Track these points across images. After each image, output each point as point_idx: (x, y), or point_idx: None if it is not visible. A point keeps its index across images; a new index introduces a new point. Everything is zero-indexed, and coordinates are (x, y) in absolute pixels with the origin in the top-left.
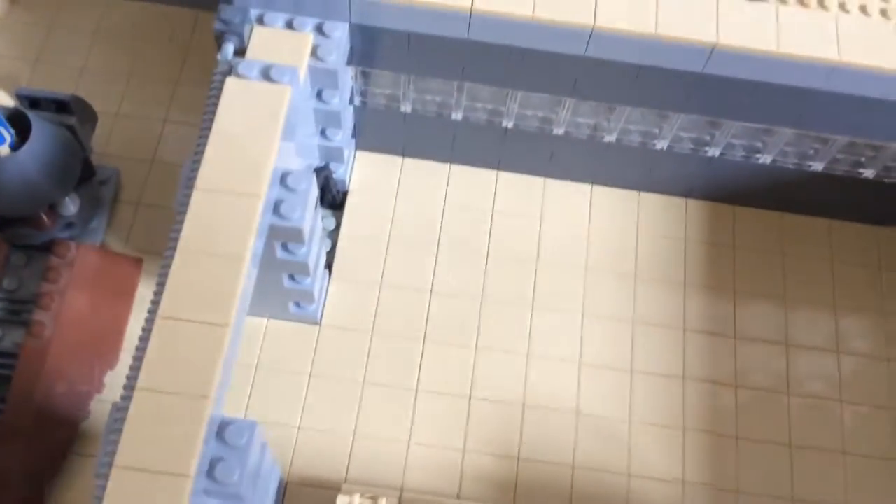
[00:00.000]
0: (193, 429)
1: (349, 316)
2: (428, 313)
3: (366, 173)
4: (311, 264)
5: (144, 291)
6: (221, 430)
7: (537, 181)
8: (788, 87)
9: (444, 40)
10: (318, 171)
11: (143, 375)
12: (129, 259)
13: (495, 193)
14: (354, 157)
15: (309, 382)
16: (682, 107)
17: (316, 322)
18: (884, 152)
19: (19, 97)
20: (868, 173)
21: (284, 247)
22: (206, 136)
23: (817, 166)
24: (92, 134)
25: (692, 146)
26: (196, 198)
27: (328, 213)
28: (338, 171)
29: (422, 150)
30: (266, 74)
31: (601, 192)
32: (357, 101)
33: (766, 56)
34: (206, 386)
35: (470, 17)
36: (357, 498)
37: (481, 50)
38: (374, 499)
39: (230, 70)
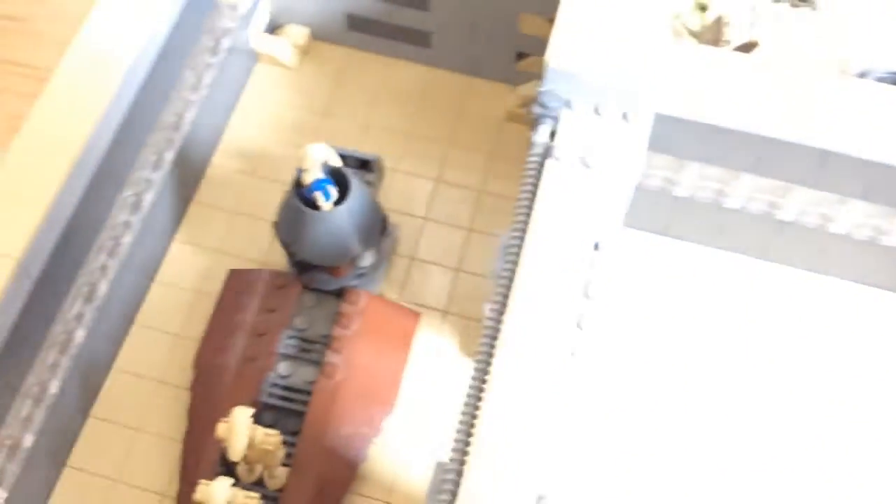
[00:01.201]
0: None
1: None
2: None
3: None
4: None
5: (419, 341)
6: None
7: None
8: None
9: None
10: None
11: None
12: (410, 311)
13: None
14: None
15: None
16: None
17: None
18: None
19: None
20: None
21: None
22: (526, 214)
23: None
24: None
25: None
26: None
27: None
28: None
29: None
30: (584, 160)
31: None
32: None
33: None
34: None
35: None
36: None
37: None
38: None
39: (547, 153)
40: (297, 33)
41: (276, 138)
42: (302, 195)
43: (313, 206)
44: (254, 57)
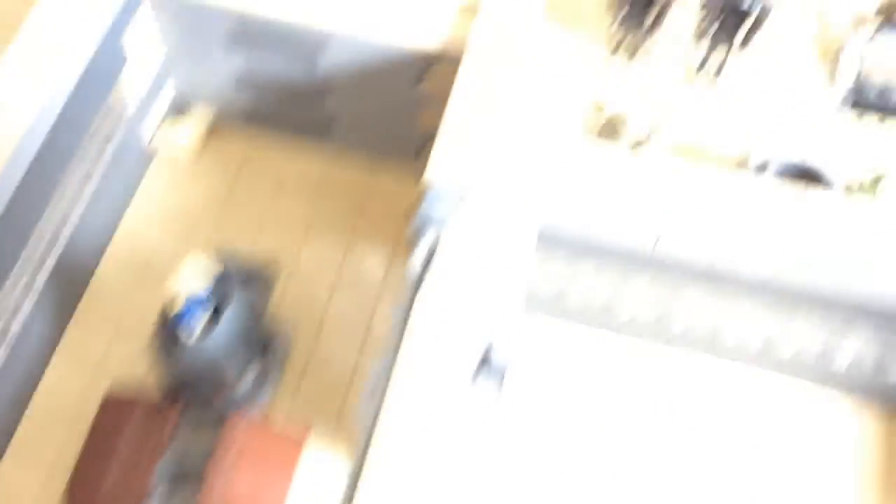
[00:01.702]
0: None
1: None
2: None
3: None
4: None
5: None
6: None
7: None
8: None
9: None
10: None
11: None
12: (293, 438)
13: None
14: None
15: None
16: None
17: None
18: None
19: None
20: None
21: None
22: (397, 349)
23: None
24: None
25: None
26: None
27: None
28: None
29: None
30: (466, 279)
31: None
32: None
33: None
34: None
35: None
36: None
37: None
38: None
39: (424, 273)
40: (196, 123)
41: (168, 239)
42: (169, 325)
43: (181, 336)
44: (147, 152)
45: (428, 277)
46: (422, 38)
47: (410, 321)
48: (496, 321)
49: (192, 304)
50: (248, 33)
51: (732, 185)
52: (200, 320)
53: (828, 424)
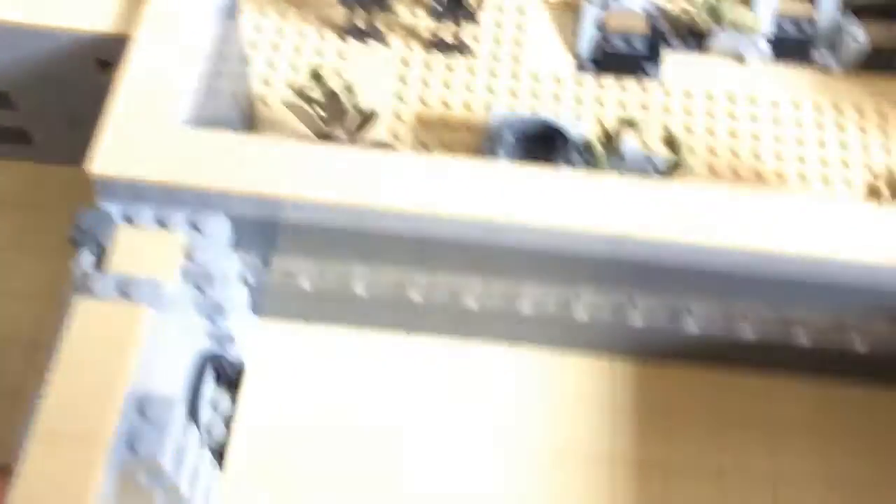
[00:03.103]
0: None
1: None
2: None
3: (267, 348)
4: (184, 486)
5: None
6: None
7: (454, 346)
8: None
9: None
10: (209, 358)
11: None
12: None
13: (406, 361)
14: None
15: None
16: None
17: None
18: (812, 321)
19: None
20: (803, 339)
21: (149, 476)
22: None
23: (748, 335)
24: None
25: (612, 317)
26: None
27: (225, 394)
28: (231, 352)
29: (328, 318)
30: (125, 293)
31: (524, 355)
32: (251, 280)
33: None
34: None
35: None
36: None
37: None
38: None
39: (84, 285)
40: None
41: None
42: None
43: None
44: None
45: (91, 281)
46: (92, 18)
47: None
48: (216, 326)
49: None
50: None
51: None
52: None
53: (582, 384)
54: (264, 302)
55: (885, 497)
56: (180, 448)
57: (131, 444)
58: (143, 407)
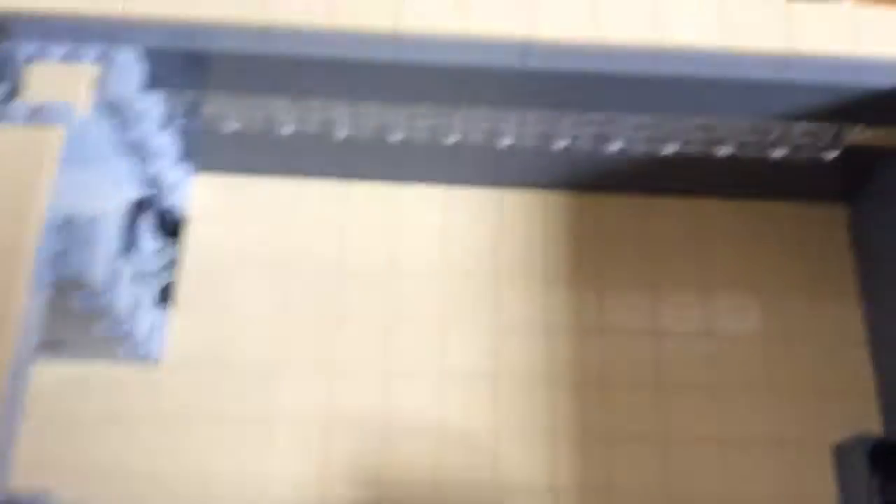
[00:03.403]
0: None
1: (195, 351)
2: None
3: (206, 196)
4: (123, 309)
5: None
6: None
7: (388, 188)
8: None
9: (251, 58)
10: (141, 202)
11: None
12: None
13: (345, 205)
14: (192, 179)
15: (155, 425)
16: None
17: (154, 361)
18: (735, 129)
19: None
20: (724, 151)
21: (82, 297)
22: None
23: (669, 148)
24: None
25: (538, 142)
26: None
27: (168, 241)
28: (170, 199)
29: (262, 166)
30: (35, 117)
31: (455, 192)
32: (178, 123)
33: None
34: None
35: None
36: None
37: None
38: None
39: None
40: None
41: None
42: None
43: None
44: None
45: (3, 110)
46: None
47: None
48: (148, 171)
49: None
50: None
51: None
52: None
53: (515, 217)
54: (199, 153)
55: (809, 295)
56: (112, 271)
57: (56, 262)
58: (68, 227)
